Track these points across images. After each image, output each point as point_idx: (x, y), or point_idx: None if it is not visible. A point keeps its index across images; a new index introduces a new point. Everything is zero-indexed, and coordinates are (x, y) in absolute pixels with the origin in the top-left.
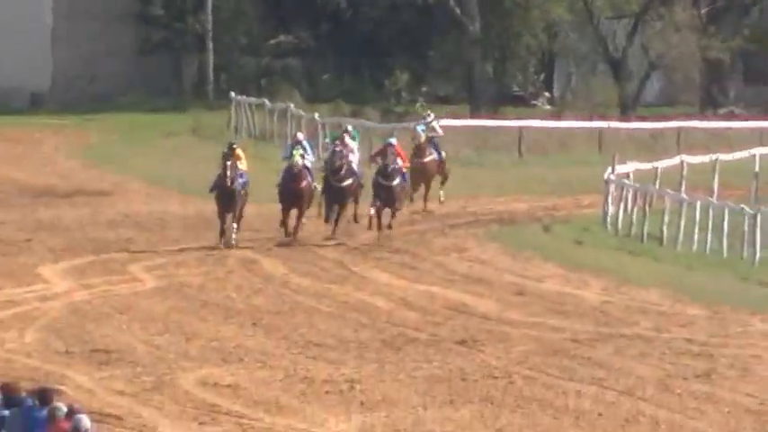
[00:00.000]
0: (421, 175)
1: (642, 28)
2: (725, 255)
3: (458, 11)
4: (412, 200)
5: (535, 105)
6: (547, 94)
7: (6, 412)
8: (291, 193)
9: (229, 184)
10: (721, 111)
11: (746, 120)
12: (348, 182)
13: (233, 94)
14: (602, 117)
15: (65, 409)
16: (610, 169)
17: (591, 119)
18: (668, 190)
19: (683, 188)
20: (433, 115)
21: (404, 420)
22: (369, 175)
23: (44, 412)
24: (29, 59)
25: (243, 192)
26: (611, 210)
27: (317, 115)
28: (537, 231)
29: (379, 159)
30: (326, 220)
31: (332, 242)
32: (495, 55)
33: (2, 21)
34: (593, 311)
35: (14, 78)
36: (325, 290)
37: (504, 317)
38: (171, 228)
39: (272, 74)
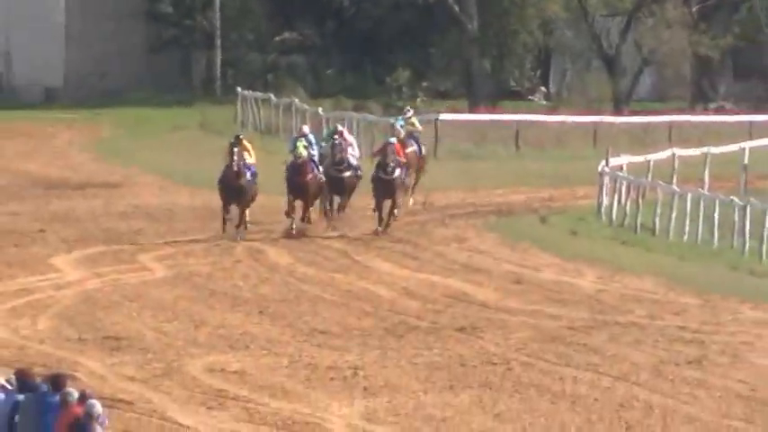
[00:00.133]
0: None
1: (635, 25)
2: (716, 245)
3: (457, 9)
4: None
5: (532, 100)
6: (543, 89)
7: (21, 397)
8: (297, 185)
9: (236, 170)
10: (712, 106)
11: (736, 114)
12: (348, 173)
13: (239, 89)
14: (597, 112)
15: (76, 395)
16: (604, 162)
17: (586, 113)
18: (660, 182)
19: (675, 180)
20: (412, 111)
21: (405, 405)
22: (369, 169)
23: (57, 398)
24: (43, 56)
25: (252, 186)
26: (605, 201)
27: (320, 110)
28: (534, 222)
29: (379, 157)
30: (325, 213)
31: (335, 233)
32: (493, 52)
33: (17, 20)
34: (589, 300)
35: (29, 75)
36: (329, 279)
37: (502, 305)
38: (179, 219)
39: (278, 70)
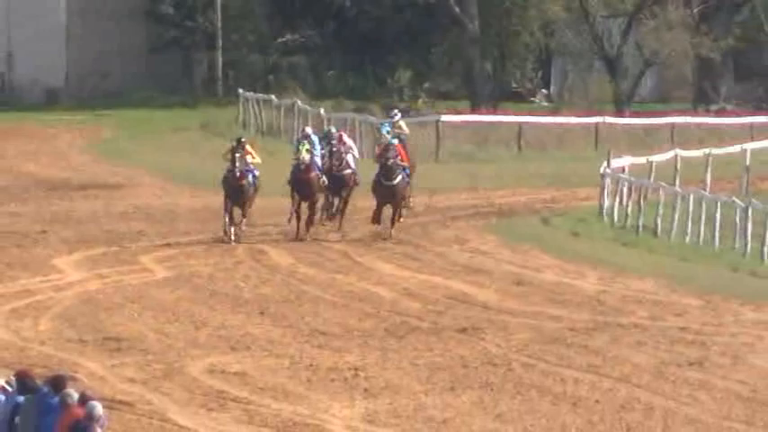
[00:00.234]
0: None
1: (636, 26)
2: (717, 246)
3: (458, 10)
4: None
5: (533, 102)
6: (544, 90)
7: (21, 399)
8: (299, 183)
9: (238, 175)
10: (713, 107)
11: (738, 115)
12: (347, 171)
13: (241, 90)
14: (598, 113)
15: (76, 396)
16: (605, 163)
17: (587, 115)
18: (662, 183)
19: (677, 181)
20: (399, 114)
21: (406, 406)
22: (372, 172)
23: (57, 399)
24: (44, 57)
25: (252, 188)
26: (606, 202)
27: (322, 111)
28: (535, 223)
29: (381, 160)
30: (327, 216)
31: (337, 235)
32: (494, 53)
33: (19, 20)
34: (590, 301)
35: (30, 75)
36: (330, 280)
37: (503, 306)
38: (181, 220)
39: (279, 71)
